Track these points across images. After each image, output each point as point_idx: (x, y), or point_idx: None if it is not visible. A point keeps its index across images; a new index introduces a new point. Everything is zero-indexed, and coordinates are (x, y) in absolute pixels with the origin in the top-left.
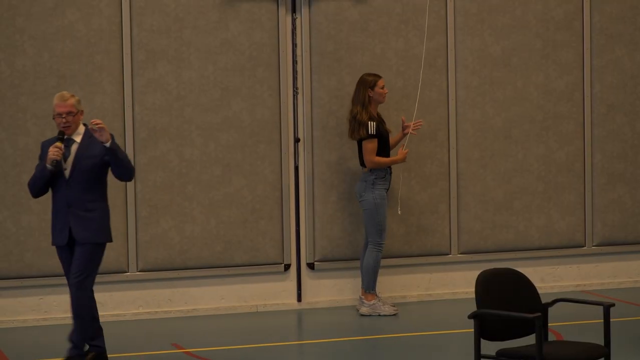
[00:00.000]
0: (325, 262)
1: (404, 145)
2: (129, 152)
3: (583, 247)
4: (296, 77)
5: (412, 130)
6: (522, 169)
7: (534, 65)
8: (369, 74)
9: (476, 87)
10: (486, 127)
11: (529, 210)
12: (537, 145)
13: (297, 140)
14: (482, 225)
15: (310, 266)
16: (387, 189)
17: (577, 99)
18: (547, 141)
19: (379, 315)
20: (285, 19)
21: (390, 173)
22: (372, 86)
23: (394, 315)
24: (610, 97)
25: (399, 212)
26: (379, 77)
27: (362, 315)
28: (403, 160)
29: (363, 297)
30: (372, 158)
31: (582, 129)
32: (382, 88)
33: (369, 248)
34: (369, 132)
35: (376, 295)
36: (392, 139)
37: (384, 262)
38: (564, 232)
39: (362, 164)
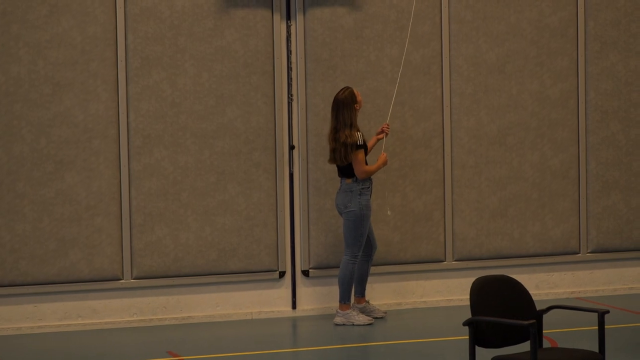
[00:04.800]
0: (320, 270)
1: (382, 148)
2: (124, 159)
3: (578, 254)
4: (291, 84)
5: (384, 133)
6: (516, 176)
7: (528, 72)
8: (342, 91)
9: (471, 94)
10: (481, 134)
11: (523, 217)
12: (531, 152)
13: (292, 148)
14: (477, 232)
15: (305, 273)
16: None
17: (571, 106)
18: (541, 148)
19: (353, 325)
20: (280, 26)
21: (372, 182)
22: (354, 100)
23: (369, 325)
24: (605, 104)
25: (389, 213)
26: (352, 87)
27: (337, 324)
28: (386, 163)
29: (339, 307)
30: (364, 168)
31: (577, 136)
32: (359, 95)
33: (344, 260)
34: (358, 143)
35: (351, 304)
36: (368, 143)
37: (379, 269)
38: (559, 239)
39: (345, 175)
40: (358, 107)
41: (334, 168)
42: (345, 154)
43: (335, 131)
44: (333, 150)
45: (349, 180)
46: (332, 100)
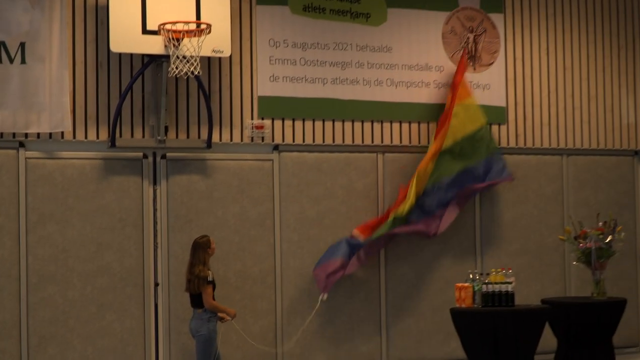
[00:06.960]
0: None
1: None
2: (23, 294)
3: None
4: (156, 235)
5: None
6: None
7: (341, 224)
8: (200, 238)
9: (297, 241)
10: (304, 273)
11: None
12: None
13: (157, 285)
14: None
15: None
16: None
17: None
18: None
19: None
20: (148, 190)
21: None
22: (209, 245)
23: None
24: None
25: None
26: (209, 236)
27: None
28: (234, 315)
29: None
30: (211, 301)
31: None
32: (213, 243)
33: None
34: (208, 279)
35: None
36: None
37: None
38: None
39: (197, 305)
40: (211, 252)
41: (189, 300)
42: (198, 284)
43: (192, 266)
44: (189, 281)
45: (200, 310)
46: (189, 246)
